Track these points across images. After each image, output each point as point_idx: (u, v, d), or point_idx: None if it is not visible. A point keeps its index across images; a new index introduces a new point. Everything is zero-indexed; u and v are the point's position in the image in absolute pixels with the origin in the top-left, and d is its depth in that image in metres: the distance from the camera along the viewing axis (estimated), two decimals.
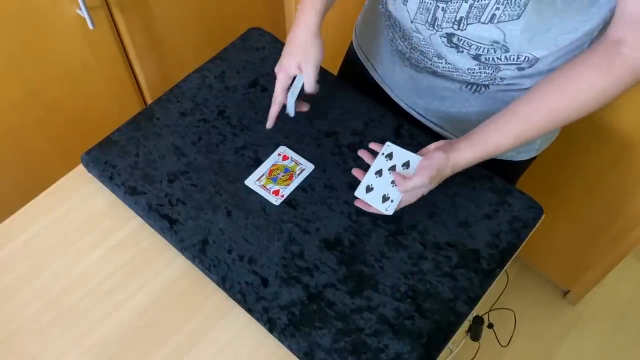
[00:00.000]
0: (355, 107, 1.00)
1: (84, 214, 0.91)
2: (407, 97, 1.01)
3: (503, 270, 0.85)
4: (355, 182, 0.90)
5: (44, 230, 0.89)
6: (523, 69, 0.81)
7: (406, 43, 0.89)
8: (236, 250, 0.84)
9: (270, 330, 0.79)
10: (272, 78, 1.03)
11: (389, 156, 0.88)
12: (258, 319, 0.80)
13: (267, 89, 1.02)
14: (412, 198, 0.85)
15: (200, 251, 0.84)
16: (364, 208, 0.87)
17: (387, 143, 0.89)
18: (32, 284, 0.84)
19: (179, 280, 0.85)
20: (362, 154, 0.91)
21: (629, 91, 1.15)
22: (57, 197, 0.92)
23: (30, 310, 0.82)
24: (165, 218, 0.87)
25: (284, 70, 0.89)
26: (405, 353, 0.76)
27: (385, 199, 0.85)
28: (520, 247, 0.87)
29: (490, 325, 1.22)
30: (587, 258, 1.52)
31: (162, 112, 0.99)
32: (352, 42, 1.11)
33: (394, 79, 1.01)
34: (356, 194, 0.87)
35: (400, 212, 0.88)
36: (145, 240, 0.88)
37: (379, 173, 0.87)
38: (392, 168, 0.87)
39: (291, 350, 0.77)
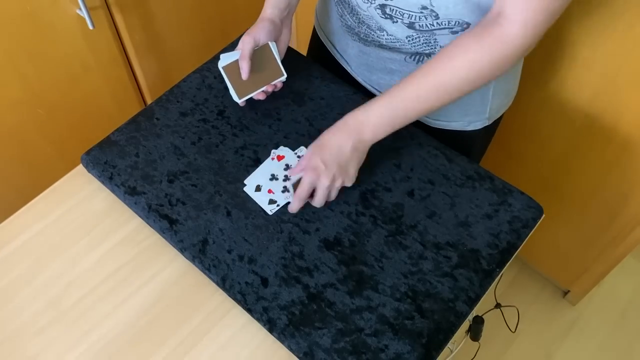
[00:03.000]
0: (355, 107, 1.00)
1: (84, 214, 0.91)
2: (362, 73, 1.03)
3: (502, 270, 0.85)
4: (355, 182, 0.90)
5: (44, 230, 0.89)
6: (457, 32, 0.83)
7: (354, 18, 0.91)
8: (236, 250, 0.84)
9: (270, 330, 0.79)
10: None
11: (279, 158, 0.91)
12: (258, 319, 0.80)
13: None
14: (321, 196, 0.85)
15: (200, 251, 0.84)
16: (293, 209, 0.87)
17: (280, 147, 0.93)
18: (32, 284, 0.84)
19: (179, 280, 0.85)
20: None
21: (629, 92, 1.15)
22: (57, 197, 0.92)
23: (30, 310, 0.82)
24: (165, 218, 0.87)
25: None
26: (405, 353, 0.76)
27: (271, 201, 0.87)
28: (520, 247, 0.87)
29: (498, 305, 1.22)
30: (587, 258, 1.52)
31: (162, 112, 0.99)
32: (314, 24, 1.15)
33: (347, 54, 1.03)
34: (246, 188, 0.89)
35: (400, 212, 0.88)
36: (145, 240, 0.88)
37: (274, 177, 0.90)
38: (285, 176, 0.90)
39: (291, 350, 0.78)
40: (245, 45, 0.91)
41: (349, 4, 0.90)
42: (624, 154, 1.23)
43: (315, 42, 1.14)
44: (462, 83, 0.78)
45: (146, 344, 0.79)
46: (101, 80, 1.35)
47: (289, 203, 0.88)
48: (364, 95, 1.01)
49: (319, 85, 1.02)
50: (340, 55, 1.07)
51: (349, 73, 1.07)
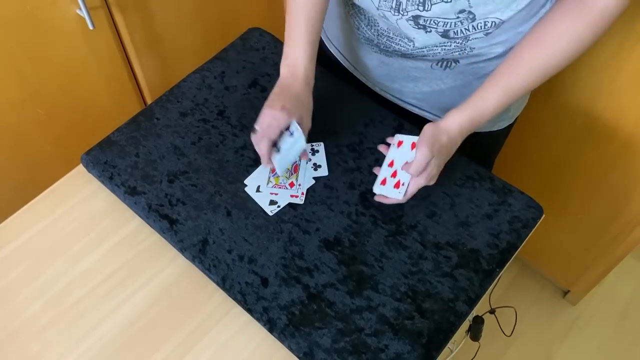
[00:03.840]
0: (356, 107, 1.00)
1: (84, 214, 0.91)
2: (381, 83, 1.02)
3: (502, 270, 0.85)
4: (355, 182, 0.90)
5: (44, 230, 0.89)
6: (490, 33, 0.82)
7: (372, 30, 0.90)
8: (236, 250, 0.84)
9: (270, 330, 0.79)
10: (272, 78, 1.03)
11: (399, 145, 0.88)
12: (258, 319, 0.80)
13: (267, 89, 1.02)
14: (426, 179, 0.83)
15: (200, 251, 0.84)
16: (382, 201, 0.86)
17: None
18: (32, 284, 0.84)
19: (179, 280, 0.85)
20: (381, 148, 0.91)
21: (630, 92, 1.15)
22: (57, 197, 0.92)
23: (30, 310, 0.82)
24: (165, 218, 0.87)
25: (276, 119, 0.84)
26: (405, 353, 0.76)
27: (397, 185, 0.84)
28: (520, 247, 0.87)
29: (492, 311, 1.22)
30: (587, 258, 1.52)
31: (162, 112, 0.99)
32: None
33: (365, 65, 1.01)
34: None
35: (400, 212, 0.88)
36: (145, 240, 0.88)
37: (391, 164, 0.87)
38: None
39: (291, 350, 0.77)
40: (262, 150, 0.85)
41: (366, 17, 0.88)
42: (624, 153, 1.23)
43: (322, 51, 1.11)
44: (567, 61, 0.79)
45: (146, 343, 0.79)
46: (101, 80, 1.35)
47: (289, 204, 0.88)
48: (367, 96, 1.01)
49: (319, 85, 1.02)
50: (354, 67, 1.05)
51: (361, 82, 1.05)
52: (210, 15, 1.49)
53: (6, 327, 0.81)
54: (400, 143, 0.87)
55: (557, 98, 1.25)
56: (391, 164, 0.86)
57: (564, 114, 1.27)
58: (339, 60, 1.08)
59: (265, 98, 1.00)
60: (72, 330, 0.80)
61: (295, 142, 0.85)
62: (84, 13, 1.16)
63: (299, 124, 0.84)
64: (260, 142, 0.84)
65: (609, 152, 1.25)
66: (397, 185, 0.84)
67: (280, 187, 0.90)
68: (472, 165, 0.93)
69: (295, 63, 0.87)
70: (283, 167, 0.88)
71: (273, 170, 0.91)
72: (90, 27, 1.19)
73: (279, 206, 0.88)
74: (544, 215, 0.89)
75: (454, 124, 0.81)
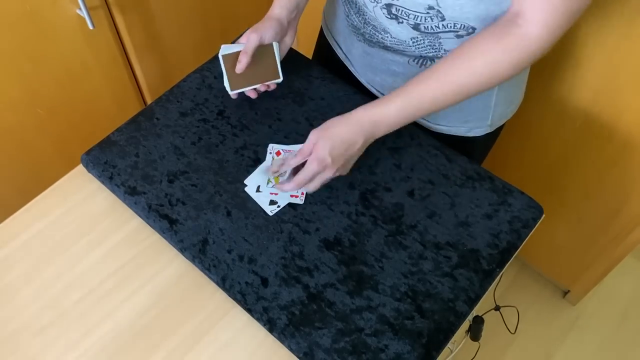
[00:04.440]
0: (356, 107, 1.00)
1: (84, 214, 0.91)
2: (365, 74, 1.03)
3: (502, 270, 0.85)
4: (355, 182, 0.90)
5: (44, 230, 0.89)
6: (462, 36, 0.82)
7: (360, 18, 0.91)
8: (236, 250, 0.84)
9: (270, 330, 0.79)
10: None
11: (277, 154, 0.91)
12: (258, 319, 0.80)
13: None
14: (317, 183, 0.85)
15: (200, 251, 0.84)
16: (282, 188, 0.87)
17: (270, 145, 0.93)
18: (32, 284, 0.84)
19: (179, 280, 0.85)
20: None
21: (629, 91, 1.15)
22: (57, 197, 0.92)
23: (30, 310, 0.82)
24: (165, 218, 0.87)
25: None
26: (405, 353, 0.76)
27: (272, 202, 0.88)
28: (520, 247, 0.87)
29: (497, 308, 1.22)
30: (587, 258, 1.52)
31: (162, 112, 0.99)
32: (321, 23, 1.14)
33: (352, 54, 1.03)
34: (247, 189, 0.89)
35: (401, 212, 0.88)
36: (145, 240, 0.88)
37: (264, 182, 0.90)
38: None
39: (291, 350, 0.78)
40: (250, 41, 0.91)
41: (356, 4, 0.90)
42: (624, 153, 1.23)
43: (322, 42, 1.14)
44: (481, 84, 0.78)
45: (146, 343, 0.79)
46: (101, 80, 1.35)
47: (289, 204, 0.88)
48: (365, 95, 1.01)
49: (319, 85, 1.02)
50: (345, 55, 1.06)
51: (352, 74, 1.07)
52: (210, 15, 1.49)
53: (6, 327, 0.81)
54: (278, 153, 0.91)
55: (557, 98, 1.25)
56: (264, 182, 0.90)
57: (563, 114, 1.27)
58: (333, 49, 1.10)
59: (265, 98, 1.01)
60: (72, 330, 0.80)
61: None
62: (84, 13, 1.16)
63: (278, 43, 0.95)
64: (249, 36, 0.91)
65: (609, 152, 1.26)
66: (271, 203, 0.87)
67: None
68: (472, 165, 0.93)
69: (271, 13, 0.95)
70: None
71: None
72: (90, 27, 1.19)
73: (279, 206, 0.88)
74: (544, 215, 0.89)
75: (354, 117, 0.83)
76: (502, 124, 1.04)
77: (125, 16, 1.27)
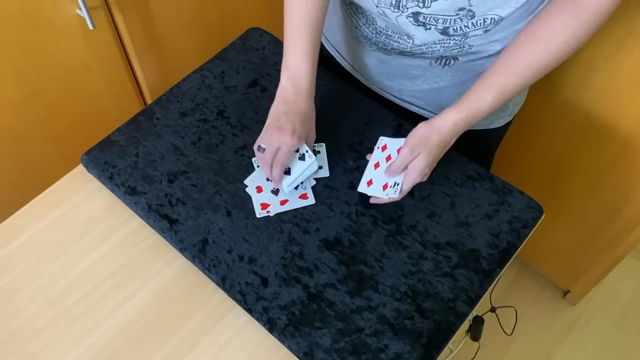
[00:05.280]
0: (355, 107, 1.00)
1: (84, 214, 0.91)
2: (380, 82, 1.02)
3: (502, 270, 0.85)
4: (355, 182, 0.90)
5: (44, 230, 0.89)
6: (489, 29, 0.82)
7: (371, 28, 0.90)
8: (236, 250, 0.84)
9: (270, 330, 0.79)
10: (272, 78, 1.03)
11: (383, 148, 0.88)
12: (258, 319, 0.80)
13: (267, 89, 1.02)
14: (418, 177, 0.83)
15: (200, 251, 0.84)
16: (377, 202, 0.86)
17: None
18: (32, 284, 0.84)
19: (179, 280, 0.85)
20: (368, 157, 0.91)
21: (630, 91, 1.15)
22: (57, 197, 0.92)
23: (30, 310, 0.82)
24: (165, 218, 0.87)
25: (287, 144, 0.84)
26: (405, 353, 0.76)
27: (385, 187, 0.85)
28: (520, 247, 0.87)
29: (493, 309, 1.22)
30: (587, 258, 1.52)
31: (162, 112, 0.99)
32: None
33: (364, 64, 1.01)
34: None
35: (401, 212, 0.88)
36: (145, 240, 0.88)
37: (377, 166, 0.87)
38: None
39: (291, 350, 0.77)
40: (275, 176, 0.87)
41: (364, 15, 0.88)
42: (624, 153, 1.23)
43: (321, 56, 1.12)
44: (560, 59, 0.78)
45: (146, 343, 0.79)
46: (101, 80, 1.35)
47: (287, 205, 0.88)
48: (365, 95, 1.01)
49: (319, 85, 1.02)
50: (352, 66, 1.05)
51: (359, 81, 1.05)
52: (210, 15, 1.49)
53: (6, 327, 0.81)
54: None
55: (557, 98, 1.25)
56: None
57: (564, 114, 1.27)
58: (337, 60, 1.08)
59: (265, 98, 1.01)
60: (72, 330, 0.80)
61: (308, 167, 0.87)
62: (84, 13, 1.16)
63: (305, 142, 0.86)
64: (273, 167, 0.85)
65: (609, 152, 1.25)
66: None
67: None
68: (472, 165, 0.93)
69: (298, 74, 0.86)
70: (291, 188, 0.89)
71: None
72: (90, 27, 1.18)
73: (268, 212, 0.88)
74: (543, 216, 0.89)
75: (449, 122, 0.81)
76: (516, 112, 1.04)
77: (125, 16, 1.27)
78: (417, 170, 0.82)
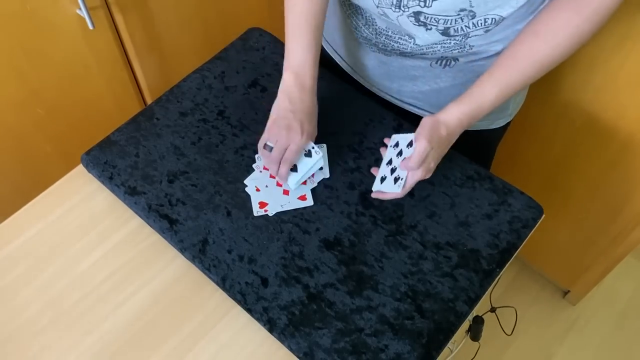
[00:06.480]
0: (355, 107, 1.00)
1: (84, 214, 0.91)
2: (380, 83, 1.02)
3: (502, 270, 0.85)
4: (355, 182, 0.90)
5: (44, 230, 0.89)
6: (490, 29, 0.82)
7: (370, 29, 0.90)
8: (236, 250, 0.84)
9: (270, 330, 0.79)
10: (272, 78, 1.03)
11: (396, 145, 0.87)
12: (258, 319, 0.80)
13: (267, 89, 1.02)
14: (423, 172, 0.83)
15: (200, 251, 0.84)
16: (380, 197, 0.86)
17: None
18: (32, 284, 0.84)
19: (179, 280, 0.85)
20: (382, 150, 0.91)
21: (630, 91, 1.15)
22: (57, 197, 0.92)
23: (30, 310, 0.82)
24: (165, 218, 0.87)
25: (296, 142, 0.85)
26: (405, 353, 0.76)
27: (395, 180, 0.84)
28: (520, 247, 0.87)
29: (493, 309, 1.22)
30: (587, 258, 1.52)
31: (162, 112, 0.99)
32: None
33: (364, 66, 1.01)
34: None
35: (401, 212, 0.88)
36: (145, 240, 0.88)
37: (390, 162, 0.87)
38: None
39: (291, 350, 0.77)
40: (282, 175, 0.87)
41: (363, 16, 0.88)
42: (624, 153, 1.23)
43: (321, 57, 1.12)
44: (565, 55, 0.78)
45: (146, 343, 0.79)
46: (101, 80, 1.35)
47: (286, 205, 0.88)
48: (364, 95, 1.01)
49: (319, 85, 1.02)
50: (352, 68, 1.05)
51: (358, 82, 1.05)
52: (210, 15, 1.49)
53: (6, 327, 0.81)
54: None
55: (557, 98, 1.25)
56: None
57: (564, 114, 1.27)
58: (336, 62, 1.08)
59: (265, 98, 1.00)
60: (72, 330, 0.80)
61: (315, 163, 0.87)
62: (84, 13, 1.16)
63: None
64: (281, 165, 0.85)
65: (609, 152, 1.25)
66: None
67: (280, 186, 0.90)
68: (472, 165, 0.93)
69: (302, 71, 0.86)
70: (297, 185, 0.89)
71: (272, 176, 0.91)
72: (90, 27, 1.18)
73: (265, 211, 0.88)
74: (544, 215, 0.89)
75: (453, 117, 0.81)
76: (516, 112, 1.04)
77: (125, 16, 1.27)
78: (430, 166, 0.82)
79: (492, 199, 0.89)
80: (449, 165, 0.92)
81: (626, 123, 1.18)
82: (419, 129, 0.81)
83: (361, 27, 0.92)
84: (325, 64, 1.08)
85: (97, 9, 1.21)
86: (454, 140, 0.83)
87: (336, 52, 1.06)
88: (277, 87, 1.01)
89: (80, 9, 1.15)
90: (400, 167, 0.84)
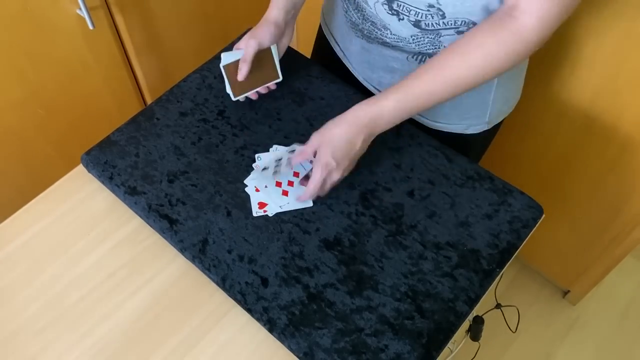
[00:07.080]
0: None
1: (84, 214, 0.91)
2: (363, 71, 1.03)
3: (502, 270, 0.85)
4: (355, 182, 0.90)
5: (44, 230, 0.89)
6: (462, 32, 0.82)
7: (359, 14, 0.91)
8: (236, 250, 0.84)
9: (270, 330, 0.79)
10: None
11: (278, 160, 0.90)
12: (258, 319, 0.80)
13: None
14: (319, 173, 0.84)
15: (200, 251, 0.84)
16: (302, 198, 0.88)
17: (274, 146, 0.93)
18: (32, 284, 0.84)
19: (179, 280, 0.85)
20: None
21: (629, 91, 1.15)
22: (57, 197, 0.92)
23: (30, 310, 0.82)
24: (165, 218, 0.87)
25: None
26: (405, 353, 0.76)
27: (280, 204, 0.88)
28: (520, 247, 0.87)
29: (499, 306, 1.22)
30: (587, 258, 1.52)
31: (162, 112, 0.99)
32: (320, 21, 1.14)
33: (350, 51, 1.03)
34: (247, 189, 0.89)
35: (400, 212, 0.88)
36: (145, 240, 0.88)
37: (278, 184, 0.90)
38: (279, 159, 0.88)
39: (291, 350, 0.78)
40: (249, 48, 0.91)
41: (354, 0, 0.90)
42: (624, 153, 1.23)
43: (321, 39, 1.14)
44: (477, 76, 0.77)
45: (146, 343, 0.79)
46: (101, 80, 1.35)
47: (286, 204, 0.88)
48: (364, 94, 1.01)
49: (319, 85, 1.02)
50: (343, 52, 1.06)
51: (350, 72, 1.07)
52: (210, 15, 1.49)
53: (6, 327, 0.81)
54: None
55: (557, 98, 1.25)
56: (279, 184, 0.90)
57: (563, 114, 1.27)
58: (330, 45, 1.09)
59: (265, 98, 1.01)
60: (71, 330, 0.80)
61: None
62: (84, 13, 1.16)
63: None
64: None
65: (609, 152, 1.26)
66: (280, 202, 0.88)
67: (279, 186, 0.90)
68: (472, 165, 0.93)
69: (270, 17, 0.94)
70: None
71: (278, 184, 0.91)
72: (90, 27, 1.19)
73: (265, 211, 0.88)
74: (544, 215, 0.89)
75: (353, 117, 0.82)
76: (499, 121, 1.05)
77: (125, 16, 1.27)
78: (320, 165, 0.83)
79: (492, 199, 0.89)
80: (449, 165, 0.93)
81: (626, 123, 1.18)
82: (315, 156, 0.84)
83: (351, 11, 0.93)
84: (324, 51, 1.10)
85: (97, 9, 1.21)
86: (361, 140, 0.83)
87: (331, 34, 1.08)
88: (277, 87, 1.02)
89: (80, 9, 1.15)
90: (298, 199, 0.87)
